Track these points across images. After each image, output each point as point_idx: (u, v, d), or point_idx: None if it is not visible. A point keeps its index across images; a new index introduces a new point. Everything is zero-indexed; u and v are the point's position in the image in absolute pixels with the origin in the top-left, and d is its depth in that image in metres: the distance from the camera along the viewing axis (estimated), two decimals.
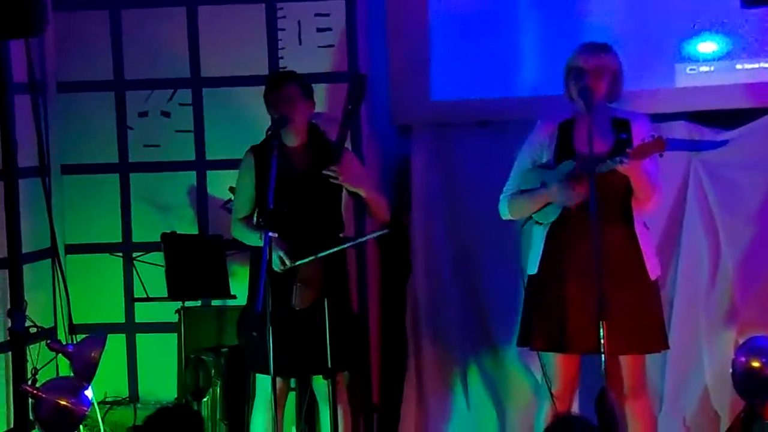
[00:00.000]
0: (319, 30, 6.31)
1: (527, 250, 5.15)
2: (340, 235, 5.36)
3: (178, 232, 6.25)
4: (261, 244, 5.12)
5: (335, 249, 5.11)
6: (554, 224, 5.05)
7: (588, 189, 4.82)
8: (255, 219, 5.38)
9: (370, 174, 5.48)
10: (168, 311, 6.22)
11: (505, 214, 5.18)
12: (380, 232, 5.24)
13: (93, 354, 5.57)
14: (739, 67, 6.00)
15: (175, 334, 6.18)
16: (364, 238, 5.50)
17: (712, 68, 6.03)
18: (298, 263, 5.14)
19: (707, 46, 6.01)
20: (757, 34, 5.92)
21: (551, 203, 5.03)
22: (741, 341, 5.79)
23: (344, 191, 5.35)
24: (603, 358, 4.79)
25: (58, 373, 6.10)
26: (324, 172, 5.18)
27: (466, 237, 6.25)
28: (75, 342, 5.90)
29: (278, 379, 5.24)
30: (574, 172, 4.94)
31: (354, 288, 5.77)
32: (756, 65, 5.98)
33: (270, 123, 5.31)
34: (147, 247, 6.34)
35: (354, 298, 5.67)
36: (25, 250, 6.02)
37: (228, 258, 6.23)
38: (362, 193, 5.28)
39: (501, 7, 6.14)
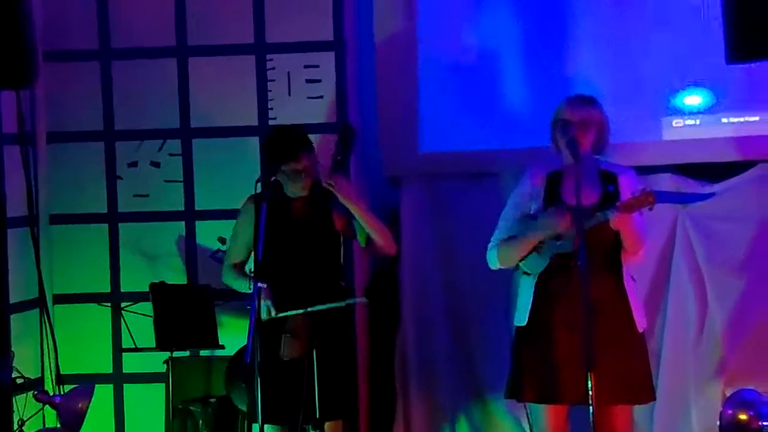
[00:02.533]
0: (308, 81, 6.35)
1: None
2: (342, 283, 5.38)
3: (166, 282, 6.25)
4: (249, 291, 5.15)
5: (320, 307, 5.12)
6: (542, 275, 5.07)
7: (570, 219, 4.87)
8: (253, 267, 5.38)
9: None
10: (156, 361, 6.21)
11: (494, 262, 5.20)
12: (360, 300, 5.29)
13: (80, 405, 5.57)
14: (725, 120, 6.05)
15: (163, 385, 6.16)
16: (350, 301, 5.42)
17: (698, 122, 6.08)
18: (280, 315, 5.15)
19: (693, 99, 6.06)
20: (742, 89, 5.97)
21: (538, 252, 5.04)
22: (728, 394, 5.81)
23: (342, 239, 5.36)
24: (591, 410, 4.79)
25: (44, 425, 6.06)
26: (324, 183, 5.18)
27: (456, 288, 6.26)
28: (62, 393, 5.89)
29: (273, 429, 5.23)
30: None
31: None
32: (741, 119, 6.03)
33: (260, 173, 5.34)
34: (135, 297, 6.33)
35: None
36: (12, 299, 6.02)
37: (217, 308, 6.22)
38: (357, 211, 5.25)
39: (490, 59, 6.19)
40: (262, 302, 5.15)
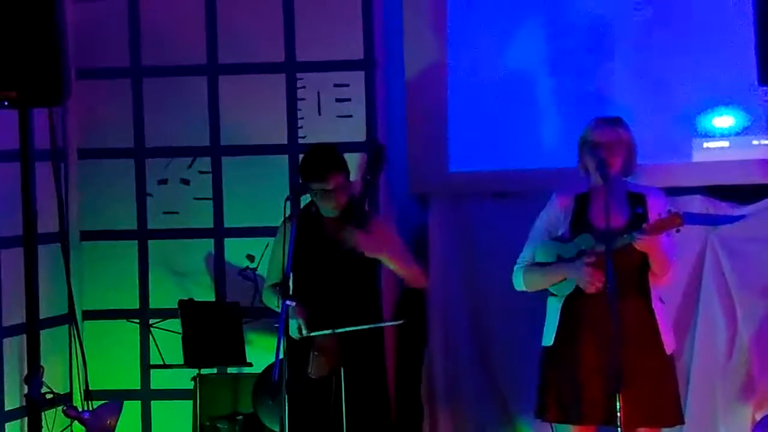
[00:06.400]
0: (338, 100, 6.37)
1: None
2: (376, 303, 5.38)
3: (195, 299, 6.28)
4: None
5: (351, 328, 5.13)
6: (570, 296, 5.07)
7: (604, 275, 4.86)
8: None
9: (399, 242, 5.47)
10: (184, 378, 6.22)
11: (520, 285, 5.20)
12: (397, 322, 5.33)
13: (109, 421, 5.58)
14: (755, 142, 6.03)
15: (191, 402, 6.18)
16: (382, 324, 5.42)
17: (729, 143, 6.06)
18: (313, 334, 5.15)
19: (724, 121, 6.04)
20: None
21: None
22: (758, 416, 5.78)
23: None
24: (619, 431, 4.78)
25: None
26: (342, 233, 5.20)
27: (483, 307, 6.25)
28: (91, 409, 5.91)
29: None
30: (592, 249, 4.95)
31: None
32: None
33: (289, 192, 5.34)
34: (164, 314, 6.36)
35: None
36: (42, 315, 6.04)
37: (245, 325, 6.24)
38: (385, 260, 5.27)
39: (519, 80, 6.19)
40: (293, 320, 5.17)
